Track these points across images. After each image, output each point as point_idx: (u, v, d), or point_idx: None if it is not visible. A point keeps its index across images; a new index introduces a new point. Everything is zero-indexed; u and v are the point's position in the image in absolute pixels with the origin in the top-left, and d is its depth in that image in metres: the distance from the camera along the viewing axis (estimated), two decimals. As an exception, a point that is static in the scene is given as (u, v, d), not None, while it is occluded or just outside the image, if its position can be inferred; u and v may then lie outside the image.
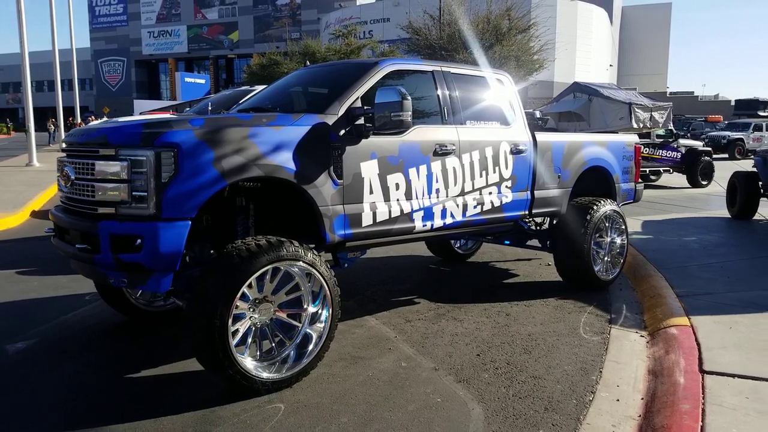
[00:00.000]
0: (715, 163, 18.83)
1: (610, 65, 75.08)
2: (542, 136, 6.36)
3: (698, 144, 19.30)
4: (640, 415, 3.88)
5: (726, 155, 30.73)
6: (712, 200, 14.64)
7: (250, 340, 4.15)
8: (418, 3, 34.35)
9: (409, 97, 4.58)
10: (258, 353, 4.21)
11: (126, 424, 3.69)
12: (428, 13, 29.84)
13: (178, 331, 5.37)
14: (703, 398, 3.88)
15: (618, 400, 4.09)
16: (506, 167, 5.87)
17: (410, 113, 4.59)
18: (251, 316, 4.12)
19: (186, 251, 4.34)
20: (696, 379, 4.17)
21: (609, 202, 6.87)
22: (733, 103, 54.18)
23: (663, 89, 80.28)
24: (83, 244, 4.04)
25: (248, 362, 4.04)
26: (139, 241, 3.80)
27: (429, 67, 5.58)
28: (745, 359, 4.50)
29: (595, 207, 6.62)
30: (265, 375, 4.07)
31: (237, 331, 4.01)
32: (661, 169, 18.16)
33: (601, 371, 4.55)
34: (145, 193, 3.82)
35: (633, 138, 7.81)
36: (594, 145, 7.03)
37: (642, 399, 4.12)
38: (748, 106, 40.71)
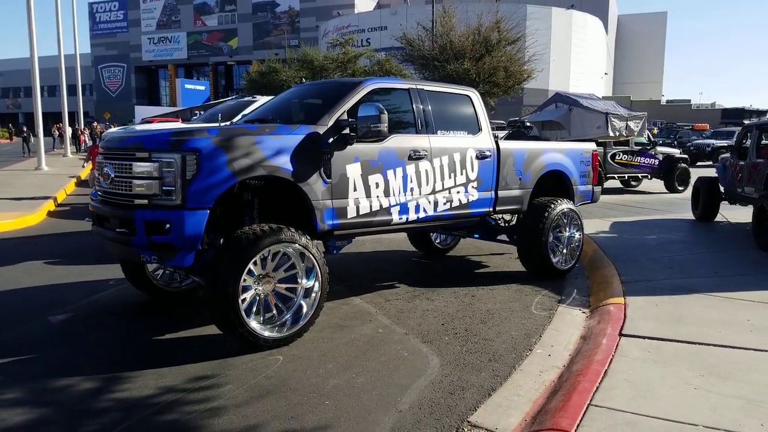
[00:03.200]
0: (698, 170, 19.71)
1: (605, 74, 76.11)
2: (505, 144, 7.39)
3: (675, 151, 20.25)
4: (564, 365, 4.88)
5: (710, 162, 31.72)
6: (684, 204, 15.52)
7: (255, 307, 5.16)
8: (413, 14, 35.39)
9: (386, 112, 5.62)
10: (262, 318, 5.21)
11: (157, 369, 4.70)
12: (421, 24, 30.95)
13: (194, 307, 6.37)
14: (615, 352, 4.90)
15: (549, 355, 5.10)
16: (472, 170, 6.89)
17: (386, 125, 5.63)
18: (256, 288, 5.12)
19: (203, 238, 5.37)
20: (614, 340, 5.19)
21: (566, 201, 7.89)
22: (721, 113, 55.22)
23: (658, 97, 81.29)
24: (122, 228, 5.05)
25: (254, 324, 5.05)
26: (168, 225, 4.82)
27: (406, 85, 6.62)
28: (658, 327, 5.51)
29: (552, 206, 7.63)
30: (267, 334, 5.09)
31: (245, 299, 5.02)
32: (639, 175, 19.14)
33: (541, 336, 5.57)
34: (173, 188, 4.84)
35: (591, 145, 8.82)
36: (553, 152, 8.06)
37: (570, 355, 5.13)
38: (736, 115, 41.80)
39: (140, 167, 4.98)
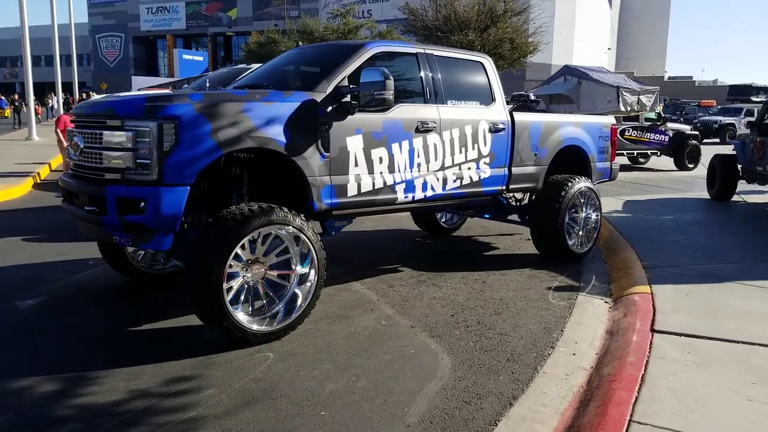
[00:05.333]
0: (705, 147, 19.15)
1: (609, 49, 75.03)
2: (520, 116, 6.76)
3: (686, 128, 19.62)
4: (592, 367, 4.32)
5: (717, 140, 31.12)
6: (696, 182, 14.99)
7: (243, 297, 4.57)
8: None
9: (392, 78, 4.98)
10: (250, 309, 4.62)
11: (130, 368, 4.12)
12: (425, -7, 30.01)
13: (177, 292, 5.79)
14: (649, 353, 4.32)
15: (574, 354, 4.53)
16: (485, 144, 6.27)
17: (392, 92, 4.99)
18: (244, 275, 4.53)
19: (185, 217, 4.77)
20: (646, 337, 4.61)
21: (584, 179, 7.28)
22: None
23: (661, 73, 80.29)
24: (92, 206, 4.44)
25: (241, 316, 4.47)
26: (142, 203, 4.21)
27: (413, 50, 5.97)
28: (693, 321, 4.94)
29: (569, 184, 7.03)
30: (255, 327, 4.50)
31: (231, 288, 4.43)
32: (648, 151, 18.51)
33: (562, 330, 4.99)
34: (149, 161, 4.23)
35: (609, 119, 8.20)
36: (571, 126, 7.43)
37: (596, 354, 4.56)
38: (742, 92, 41.04)
39: (111, 137, 4.36)
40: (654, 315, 5.09)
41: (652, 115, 18.09)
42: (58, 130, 13.22)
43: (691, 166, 18.18)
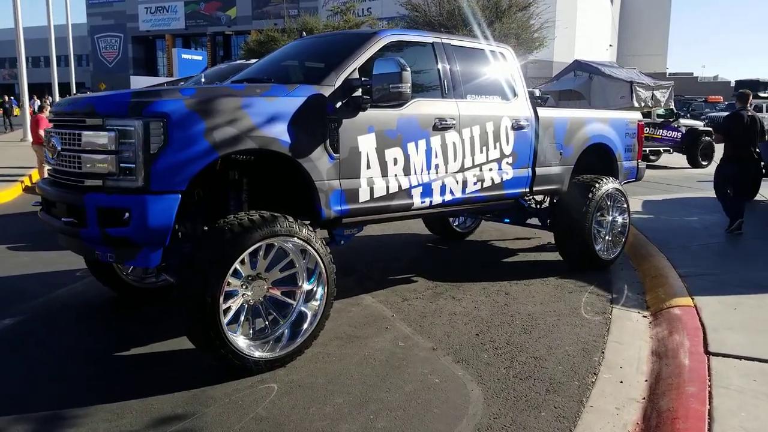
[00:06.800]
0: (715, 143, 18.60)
1: (610, 45, 74.49)
2: (544, 112, 6.20)
3: (699, 124, 19.07)
4: (644, 398, 3.76)
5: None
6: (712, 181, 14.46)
7: (242, 318, 4.02)
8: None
9: (409, 69, 4.41)
10: (251, 332, 4.07)
11: (114, 404, 3.56)
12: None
13: (170, 308, 5.23)
14: (710, 380, 3.77)
15: (621, 382, 3.97)
16: (507, 143, 5.71)
17: (409, 85, 4.43)
18: (244, 294, 3.98)
19: (178, 226, 4.22)
20: (701, 361, 4.06)
21: (611, 180, 6.73)
22: (732, 84, 53.79)
23: (662, 70, 79.71)
24: (70, 217, 3.88)
25: (240, 341, 3.91)
26: (126, 214, 3.65)
27: (429, 39, 5.40)
28: (752, 341, 4.38)
29: (597, 185, 6.47)
30: (257, 354, 3.95)
31: (229, 308, 3.88)
32: (661, 149, 17.96)
33: (603, 352, 4.43)
34: (133, 165, 3.67)
35: (636, 115, 7.65)
36: (597, 122, 6.86)
37: (646, 381, 4.01)
38: (749, 87, 40.31)
39: (91, 138, 3.80)
40: (704, 333, 4.53)
41: (661, 111, 17.55)
42: (41, 132, 12.38)
43: (704, 163, 17.64)
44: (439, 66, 5.32)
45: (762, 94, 37.42)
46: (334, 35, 6.78)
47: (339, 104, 4.46)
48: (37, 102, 35.74)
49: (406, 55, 5.09)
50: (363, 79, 4.54)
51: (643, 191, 12.06)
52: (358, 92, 4.50)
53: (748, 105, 8.73)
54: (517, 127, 5.80)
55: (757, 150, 8.57)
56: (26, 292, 5.75)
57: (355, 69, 4.64)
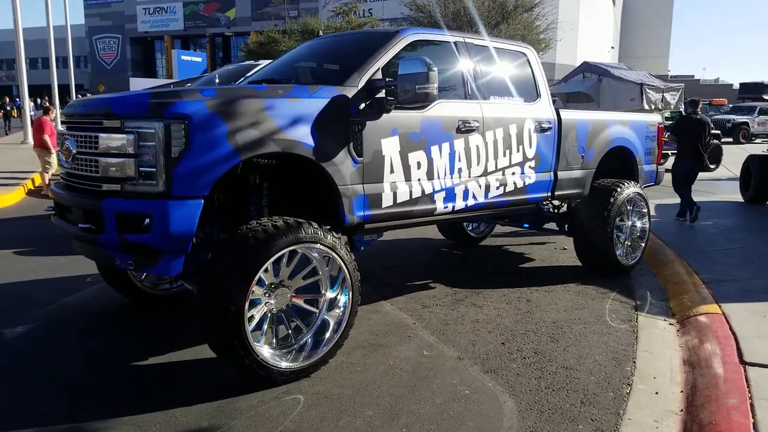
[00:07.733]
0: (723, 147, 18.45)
1: (612, 47, 74.42)
2: (567, 114, 6.07)
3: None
4: (682, 410, 3.63)
5: (731, 139, 30.37)
6: (723, 184, 14.36)
7: (266, 326, 3.89)
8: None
9: (435, 69, 4.28)
10: (274, 341, 3.94)
11: (137, 416, 3.43)
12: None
13: (186, 315, 5.11)
14: (749, 392, 3.64)
15: (657, 393, 3.84)
16: (530, 146, 5.58)
17: (437, 86, 4.30)
18: (267, 302, 3.85)
19: (196, 232, 4.08)
20: (738, 371, 3.93)
21: (633, 184, 6.60)
22: (735, 87, 53.64)
23: (664, 72, 79.65)
24: (87, 223, 3.75)
25: (265, 350, 3.78)
26: (147, 220, 3.52)
27: (452, 38, 5.27)
28: (788, 350, 4.25)
29: (618, 189, 6.34)
30: (284, 365, 3.81)
31: (252, 317, 3.75)
32: (669, 152, 17.81)
33: (634, 362, 4.30)
34: (154, 169, 3.54)
35: (656, 117, 7.52)
36: (618, 125, 6.73)
37: (681, 392, 3.88)
38: (753, 90, 40.18)
39: (109, 140, 3.66)
40: (737, 342, 4.40)
41: (668, 114, 17.40)
42: (46, 136, 12.18)
43: (712, 166, 17.47)
44: (462, 66, 5.19)
45: (767, 97, 37.22)
46: (352, 34, 6.64)
47: (362, 106, 4.33)
48: (32, 105, 35.66)
49: (427, 55, 4.95)
50: (387, 79, 4.41)
51: (655, 195, 11.89)
52: (382, 93, 4.37)
53: (698, 110, 10.00)
54: (540, 129, 5.68)
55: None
56: (35, 298, 5.63)
57: (378, 69, 4.51)
